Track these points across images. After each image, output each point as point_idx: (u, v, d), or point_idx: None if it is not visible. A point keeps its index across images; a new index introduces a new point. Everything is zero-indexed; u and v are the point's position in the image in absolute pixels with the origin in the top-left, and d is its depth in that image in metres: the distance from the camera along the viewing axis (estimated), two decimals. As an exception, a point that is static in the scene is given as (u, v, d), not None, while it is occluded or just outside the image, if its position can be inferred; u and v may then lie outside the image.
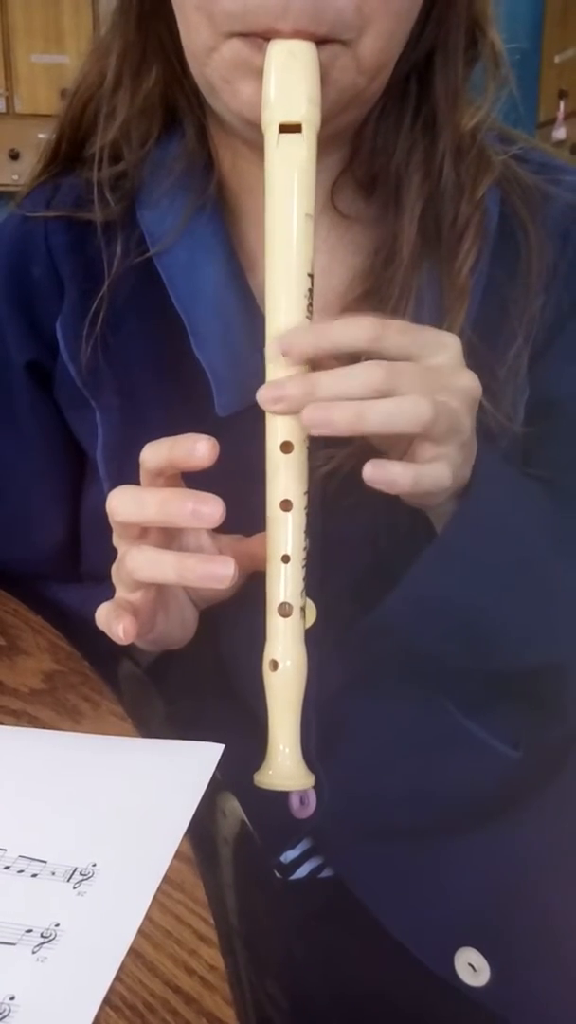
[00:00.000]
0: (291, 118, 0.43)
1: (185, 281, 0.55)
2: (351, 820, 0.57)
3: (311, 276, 0.43)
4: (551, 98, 2.80)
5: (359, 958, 0.55)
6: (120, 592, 0.47)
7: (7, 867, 0.35)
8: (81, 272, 0.57)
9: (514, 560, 0.49)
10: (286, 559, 0.44)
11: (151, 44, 0.55)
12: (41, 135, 0.67)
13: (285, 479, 0.44)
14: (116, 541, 0.47)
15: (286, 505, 0.44)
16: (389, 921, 0.55)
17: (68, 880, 0.34)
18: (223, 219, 0.57)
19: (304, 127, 0.43)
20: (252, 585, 0.49)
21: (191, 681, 0.57)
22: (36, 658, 0.54)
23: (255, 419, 0.44)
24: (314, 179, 0.44)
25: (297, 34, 0.43)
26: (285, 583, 0.44)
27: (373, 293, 0.55)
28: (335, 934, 0.56)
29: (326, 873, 0.60)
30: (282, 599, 0.44)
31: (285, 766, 0.45)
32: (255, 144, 0.49)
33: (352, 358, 0.47)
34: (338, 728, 0.56)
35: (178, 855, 0.36)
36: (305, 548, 0.44)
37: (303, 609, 0.45)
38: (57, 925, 0.32)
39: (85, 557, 0.65)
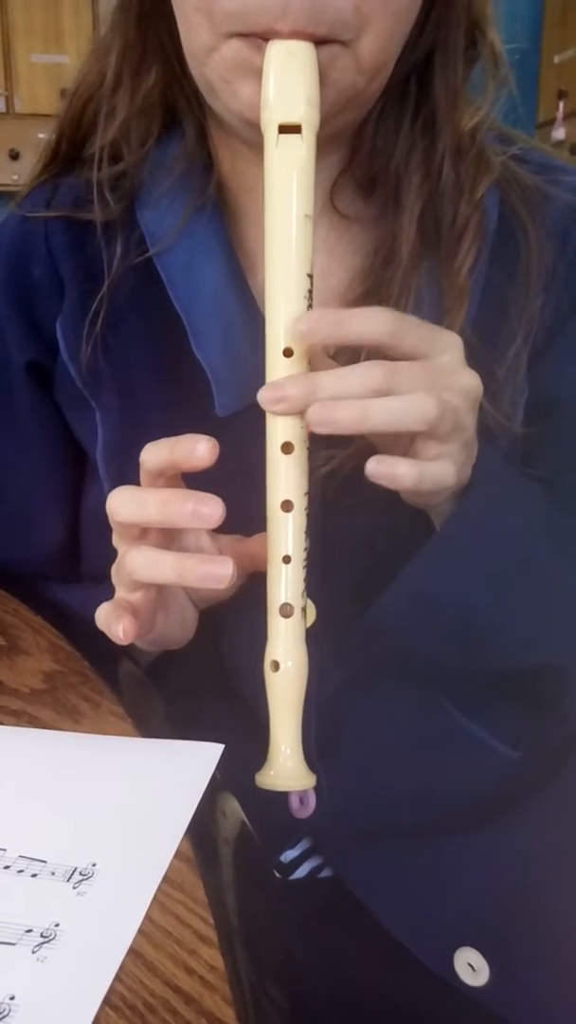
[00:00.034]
0: (290, 119, 0.43)
1: (185, 281, 0.56)
2: (351, 820, 0.57)
3: (311, 276, 0.43)
4: (550, 98, 2.80)
5: (359, 958, 0.55)
6: (120, 592, 0.47)
7: (7, 867, 0.35)
8: (81, 272, 0.57)
9: (513, 560, 0.49)
10: (287, 560, 0.44)
11: (151, 44, 0.55)
12: (41, 135, 0.67)
13: (286, 480, 0.44)
14: (116, 541, 0.47)
15: (287, 506, 0.44)
16: (389, 921, 0.55)
17: (68, 880, 0.34)
18: (223, 219, 0.57)
19: (303, 128, 0.43)
20: (252, 585, 0.49)
21: (191, 681, 0.57)
22: (36, 658, 0.54)
23: (255, 419, 0.44)
24: (313, 179, 0.44)
25: (296, 34, 0.43)
26: (286, 584, 0.44)
27: (373, 293, 0.55)
28: (335, 934, 0.56)
29: (326, 873, 0.60)
30: (283, 600, 0.44)
31: (287, 766, 0.45)
32: (254, 144, 0.49)
33: (352, 357, 0.47)
34: (338, 728, 0.56)
35: (178, 855, 0.36)
36: (306, 549, 0.44)
37: (304, 610, 0.45)
38: (57, 925, 0.32)
39: (85, 557, 0.65)
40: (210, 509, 0.41)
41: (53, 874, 0.35)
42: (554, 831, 0.60)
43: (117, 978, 0.30)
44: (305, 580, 0.45)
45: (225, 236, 0.56)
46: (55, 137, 0.60)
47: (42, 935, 0.31)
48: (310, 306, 0.43)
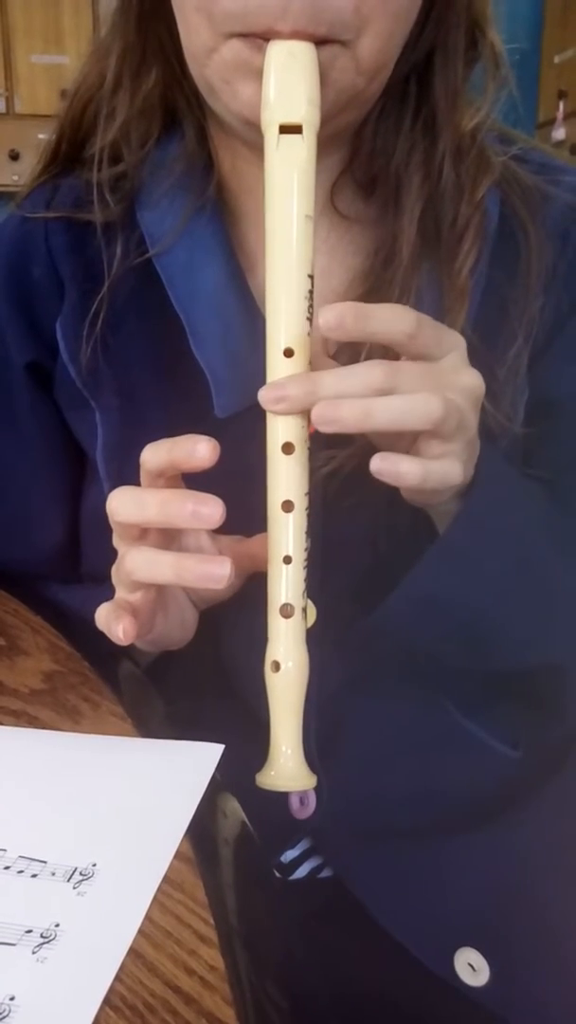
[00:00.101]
0: (291, 119, 0.43)
1: (185, 282, 0.56)
2: (351, 820, 0.57)
3: (311, 277, 0.43)
4: (551, 98, 2.80)
5: (359, 958, 0.55)
6: (120, 593, 0.47)
7: (7, 867, 0.35)
8: (81, 272, 0.57)
9: (515, 561, 0.49)
10: (287, 560, 0.44)
11: (151, 45, 0.55)
12: (41, 136, 0.68)
13: (286, 480, 0.44)
14: (116, 542, 0.47)
15: (287, 506, 0.44)
16: (388, 921, 0.55)
17: (68, 880, 0.34)
18: (223, 220, 0.57)
19: (304, 128, 0.43)
20: (252, 586, 0.49)
21: (191, 681, 0.57)
22: (36, 658, 0.54)
23: (255, 420, 0.44)
24: (314, 180, 0.44)
25: (296, 35, 0.43)
26: (287, 584, 0.44)
27: (373, 294, 0.55)
28: (335, 934, 0.56)
29: (326, 873, 0.60)
30: (284, 600, 0.44)
31: (287, 767, 0.45)
32: (255, 145, 0.49)
33: (352, 357, 0.47)
34: (338, 728, 0.56)
35: (178, 855, 0.36)
36: (306, 549, 0.44)
37: (304, 610, 0.45)
38: (57, 925, 0.32)
39: (85, 558, 0.65)
40: (210, 509, 0.41)
41: (53, 874, 0.35)
42: (554, 831, 0.60)
43: (117, 978, 0.30)
44: (306, 580, 0.45)
45: (225, 237, 0.56)
46: (55, 138, 0.61)
47: (42, 935, 0.31)
48: (311, 307, 0.43)
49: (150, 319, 0.56)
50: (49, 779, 0.42)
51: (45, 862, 0.35)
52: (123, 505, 0.44)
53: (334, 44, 0.45)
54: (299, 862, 0.60)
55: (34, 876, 0.35)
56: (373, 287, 0.55)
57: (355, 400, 0.40)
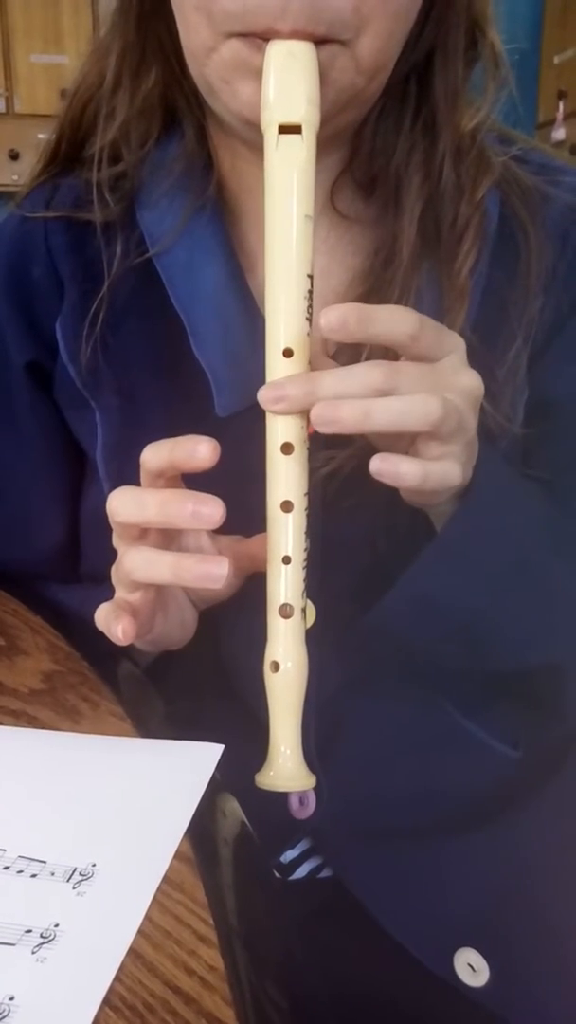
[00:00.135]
0: (290, 119, 0.43)
1: (185, 281, 0.56)
2: (350, 820, 0.57)
3: (311, 277, 0.43)
4: (550, 99, 2.80)
5: (358, 958, 0.55)
6: (119, 593, 0.47)
7: (7, 867, 0.35)
8: (81, 272, 0.57)
9: (513, 561, 0.49)
10: (287, 560, 0.44)
11: (150, 45, 0.55)
12: (41, 135, 0.68)
13: (286, 480, 0.44)
14: (116, 542, 0.47)
15: (287, 506, 0.44)
16: (388, 921, 0.55)
17: (68, 880, 0.34)
18: (222, 220, 0.57)
19: (304, 128, 0.43)
20: (252, 586, 0.49)
21: (190, 681, 0.57)
22: (35, 658, 0.54)
23: (255, 420, 0.44)
24: (313, 180, 0.44)
25: (296, 34, 0.43)
26: (286, 584, 0.44)
27: (373, 294, 0.55)
28: (334, 934, 0.56)
29: (325, 873, 0.60)
30: (283, 600, 0.44)
31: (286, 767, 0.45)
32: (254, 145, 0.49)
33: (352, 358, 0.47)
34: (337, 728, 0.56)
35: (178, 855, 0.36)
36: (305, 549, 0.44)
37: (304, 610, 0.45)
38: (56, 925, 0.32)
39: (85, 558, 0.65)
40: (210, 510, 0.41)
41: (53, 874, 0.35)
42: (554, 831, 0.60)
43: (117, 978, 0.30)
44: (305, 581, 0.45)
45: (225, 236, 0.56)
46: (55, 137, 0.60)
47: (42, 935, 0.31)
48: (310, 307, 0.43)
49: (150, 319, 0.56)
50: (49, 779, 0.42)
51: (45, 862, 0.35)
52: (123, 505, 0.44)
53: (334, 44, 0.45)
54: (299, 862, 0.60)
55: (34, 876, 0.35)
56: (373, 287, 0.55)
57: (354, 401, 0.40)
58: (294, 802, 0.57)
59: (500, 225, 0.56)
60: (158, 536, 0.46)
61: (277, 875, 0.60)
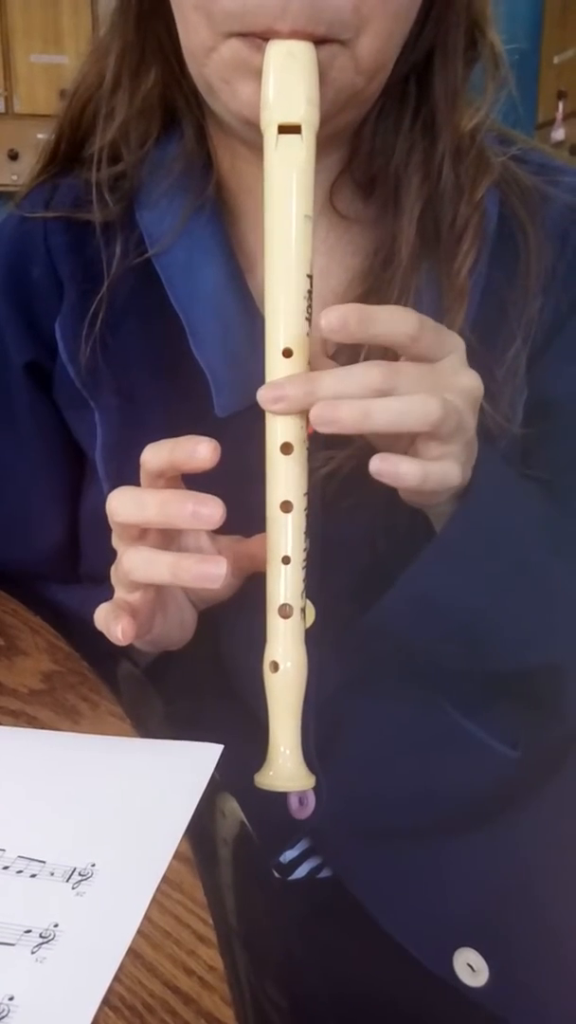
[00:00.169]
0: (290, 119, 0.43)
1: (184, 282, 0.55)
2: (350, 820, 0.57)
3: (310, 277, 0.43)
4: (550, 99, 2.80)
5: (358, 958, 0.55)
6: (119, 593, 0.47)
7: (6, 867, 0.35)
8: (80, 272, 0.57)
9: (512, 561, 0.49)
10: (286, 560, 0.44)
11: (150, 44, 0.55)
12: (40, 135, 0.68)
13: (285, 480, 0.44)
14: (115, 542, 0.47)
15: (286, 506, 0.44)
16: (388, 921, 0.55)
17: (67, 880, 0.34)
18: (222, 220, 0.57)
19: (303, 128, 0.43)
20: (251, 586, 0.49)
21: (190, 681, 0.57)
22: (35, 658, 0.54)
23: (254, 420, 0.44)
24: (313, 180, 0.44)
25: (295, 34, 0.43)
26: (285, 584, 0.44)
27: (372, 294, 0.55)
28: (334, 934, 0.56)
29: (325, 873, 0.60)
30: (282, 600, 0.44)
31: (286, 767, 0.45)
32: (254, 145, 0.49)
33: (351, 358, 0.47)
34: (337, 728, 0.56)
35: (177, 855, 0.36)
36: (305, 549, 0.44)
37: (303, 610, 0.45)
38: (56, 925, 0.32)
39: (84, 558, 0.65)
40: (210, 510, 0.41)
41: (52, 874, 0.35)
42: (554, 831, 0.60)
43: (116, 978, 0.30)
44: (304, 581, 0.45)
45: (224, 236, 0.56)
46: (54, 137, 0.60)
47: (41, 935, 0.31)
48: (310, 307, 0.43)
49: (149, 319, 0.56)
50: (48, 779, 0.42)
51: (44, 862, 0.35)
52: (123, 505, 0.44)
53: (333, 44, 0.45)
54: (298, 862, 0.60)
55: (33, 876, 0.35)
56: (372, 287, 0.55)
57: (354, 401, 0.40)
58: (293, 802, 0.57)
59: (499, 225, 0.56)
60: (158, 536, 0.46)
61: (277, 875, 0.60)
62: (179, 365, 0.55)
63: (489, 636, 0.51)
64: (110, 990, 0.29)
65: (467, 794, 0.59)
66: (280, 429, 0.43)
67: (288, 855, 0.60)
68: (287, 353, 0.43)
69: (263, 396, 0.42)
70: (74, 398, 0.59)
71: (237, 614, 0.53)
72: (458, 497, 0.47)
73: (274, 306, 0.43)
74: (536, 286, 0.55)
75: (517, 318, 0.55)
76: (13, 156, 2.79)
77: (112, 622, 0.44)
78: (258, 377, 0.43)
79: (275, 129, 0.43)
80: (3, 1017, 0.28)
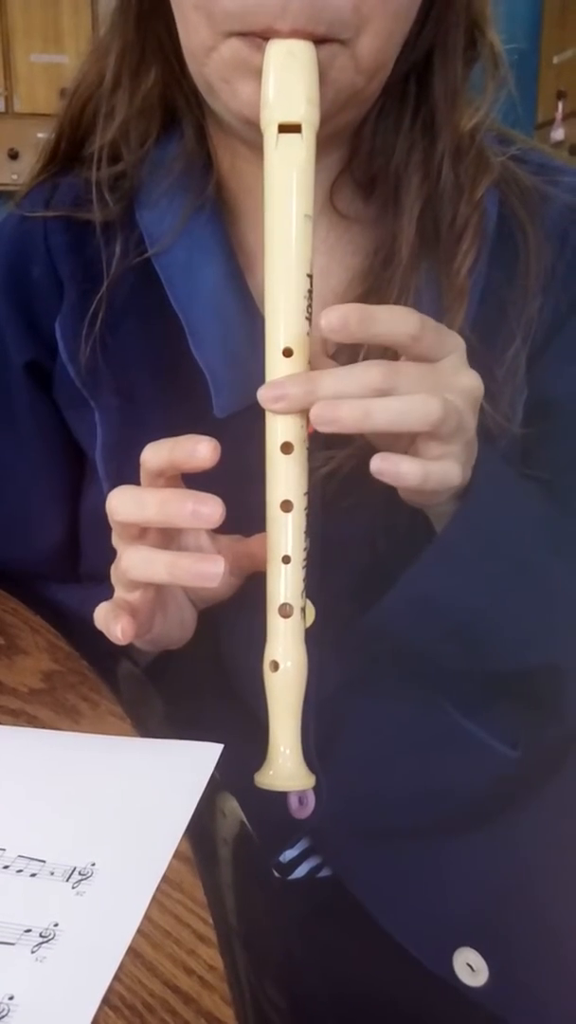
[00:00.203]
0: (290, 118, 0.43)
1: (184, 281, 0.55)
2: (350, 820, 0.57)
3: (310, 276, 0.43)
4: (550, 99, 2.80)
5: (358, 958, 0.55)
6: (119, 592, 0.47)
7: (6, 867, 0.35)
8: (80, 272, 0.57)
9: (513, 561, 0.49)
10: (286, 560, 0.44)
11: (150, 44, 0.55)
12: (40, 135, 0.68)
13: (285, 480, 0.44)
14: (115, 541, 0.47)
15: (286, 506, 0.44)
16: (387, 921, 0.55)
17: (67, 880, 0.34)
18: (222, 219, 0.57)
19: (303, 127, 0.43)
20: (251, 586, 0.49)
21: (190, 681, 0.57)
22: (35, 658, 0.54)
23: (254, 419, 0.44)
24: (313, 179, 0.44)
25: (295, 33, 0.43)
26: (285, 584, 0.44)
27: (372, 293, 0.55)
28: (334, 934, 0.56)
29: (325, 873, 0.60)
30: (282, 600, 0.44)
31: (286, 767, 0.45)
32: (254, 144, 0.49)
33: (351, 357, 0.47)
34: (337, 728, 0.56)
35: (177, 855, 0.36)
36: (305, 549, 0.44)
37: (303, 610, 0.45)
38: (56, 925, 0.32)
39: (84, 557, 0.64)
40: (210, 509, 0.41)
41: (52, 874, 0.35)
42: (553, 831, 0.60)
43: (116, 978, 0.30)
44: (304, 580, 0.45)
45: (224, 236, 0.56)
46: (54, 137, 0.60)
47: (41, 935, 0.31)
48: (310, 306, 0.43)
49: (149, 319, 0.56)
50: (48, 779, 0.42)
51: (44, 861, 0.35)
52: (123, 504, 0.44)
53: (333, 43, 0.45)
54: (298, 862, 0.60)
55: (33, 876, 0.35)
56: (372, 287, 0.55)
57: (354, 401, 0.40)
58: (293, 802, 0.57)
59: (499, 225, 0.56)
60: (158, 536, 0.46)
61: (276, 875, 0.60)
62: (179, 365, 0.55)
63: (489, 636, 0.51)
64: (110, 989, 0.29)
65: (467, 794, 0.59)
66: (280, 428, 0.43)
67: (288, 855, 0.60)
68: (287, 353, 0.43)
69: (263, 395, 0.42)
70: (74, 398, 0.59)
71: (237, 613, 0.53)
72: (458, 497, 0.47)
73: (274, 305, 0.43)
74: (536, 286, 0.55)
75: (517, 318, 0.55)
76: (13, 155, 2.79)
77: (112, 621, 0.44)
78: (258, 377, 0.43)
79: (275, 128, 0.43)
80: (3, 1016, 0.28)
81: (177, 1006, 0.29)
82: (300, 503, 0.44)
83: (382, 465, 0.41)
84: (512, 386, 0.55)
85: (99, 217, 0.57)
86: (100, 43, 0.57)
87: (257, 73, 0.45)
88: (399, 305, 0.49)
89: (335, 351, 0.50)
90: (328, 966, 0.54)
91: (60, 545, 0.64)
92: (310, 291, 0.43)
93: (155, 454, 0.43)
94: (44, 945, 0.31)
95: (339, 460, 0.51)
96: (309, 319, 0.43)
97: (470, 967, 0.54)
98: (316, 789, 0.54)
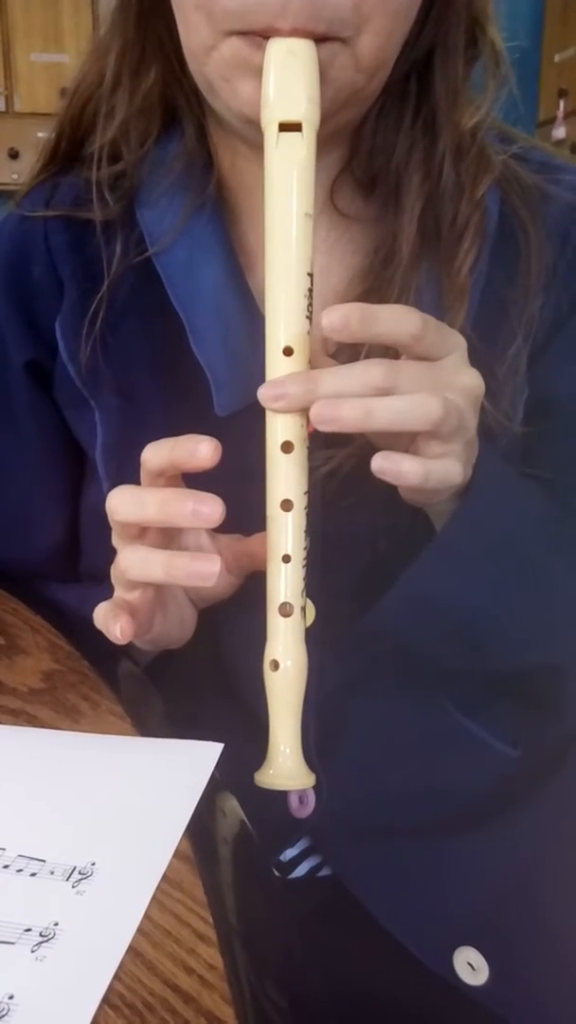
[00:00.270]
0: (291, 117, 0.43)
1: (184, 280, 0.55)
2: (350, 819, 0.57)
3: (311, 275, 0.43)
4: (551, 97, 2.80)
5: (358, 957, 0.55)
6: (118, 592, 0.47)
7: (6, 866, 0.35)
8: (80, 271, 0.57)
9: (513, 560, 0.49)
10: (287, 559, 0.44)
11: (150, 43, 0.55)
12: (40, 134, 0.68)
13: (285, 479, 0.44)
14: (115, 541, 0.47)
15: (286, 505, 0.44)
16: (388, 920, 0.55)
17: (67, 879, 0.34)
18: (222, 218, 0.57)
19: (304, 126, 0.43)
20: (252, 585, 0.49)
21: (190, 680, 0.57)
22: (35, 657, 0.54)
23: (254, 419, 0.44)
24: (313, 178, 0.44)
25: (296, 32, 0.43)
26: (286, 583, 0.44)
27: (372, 292, 0.55)
28: (334, 933, 0.56)
29: (325, 872, 0.60)
30: (283, 599, 0.44)
31: (286, 766, 0.45)
32: (254, 143, 0.49)
33: (352, 357, 0.47)
34: (337, 727, 0.56)
35: (177, 854, 0.36)
36: (305, 548, 0.44)
37: (303, 609, 0.45)
38: (56, 924, 0.32)
39: (84, 557, 0.64)
40: (210, 508, 0.41)
41: (52, 873, 0.35)
42: (554, 830, 0.60)
43: (116, 977, 0.30)
44: (305, 579, 0.44)
45: (225, 235, 0.56)
46: (54, 136, 0.60)
47: (41, 934, 0.31)
48: (310, 305, 0.43)
49: (150, 318, 0.56)
50: (48, 778, 0.42)
51: (44, 861, 0.35)
52: (123, 504, 0.44)
53: (334, 42, 0.45)
54: (298, 861, 0.60)
55: (33, 875, 0.35)
56: (373, 286, 0.55)
57: (355, 400, 0.40)
58: (294, 801, 0.57)
59: (500, 223, 0.56)
60: (158, 535, 0.46)
61: (277, 874, 0.60)
62: (179, 364, 0.55)
63: (489, 635, 0.51)
64: (110, 989, 0.29)
65: (467, 793, 0.59)
66: (280, 428, 0.43)
67: (288, 854, 0.60)
68: (288, 351, 0.43)
69: (264, 394, 0.42)
70: (74, 397, 0.59)
71: (237, 613, 0.53)
72: (459, 496, 0.47)
73: (275, 304, 0.43)
74: (537, 284, 0.55)
75: (518, 316, 0.55)
76: (13, 155, 2.79)
77: (111, 621, 0.44)
78: (258, 376, 0.43)
79: (276, 127, 0.43)
80: (3, 1016, 0.28)
81: (177, 1005, 0.29)
82: (300, 502, 0.44)
83: (383, 464, 0.41)
84: (513, 385, 0.55)
85: (99, 216, 0.57)
86: (100, 42, 0.57)
87: (257, 72, 0.44)
88: (400, 304, 0.49)
89: (335, 350, 0.50)
90: (328, 965, 0.54)
91: (60, 544, 0.64)
92: (310, 290, 0.43)
93: (155, 454, 0.43)
94: (44, 944, 0.31)
95: (339, 459, 0.51)
96: (309, 318, 0.43)
97: (470, 966, 0.54)
98: (316, 788, 0.54)
